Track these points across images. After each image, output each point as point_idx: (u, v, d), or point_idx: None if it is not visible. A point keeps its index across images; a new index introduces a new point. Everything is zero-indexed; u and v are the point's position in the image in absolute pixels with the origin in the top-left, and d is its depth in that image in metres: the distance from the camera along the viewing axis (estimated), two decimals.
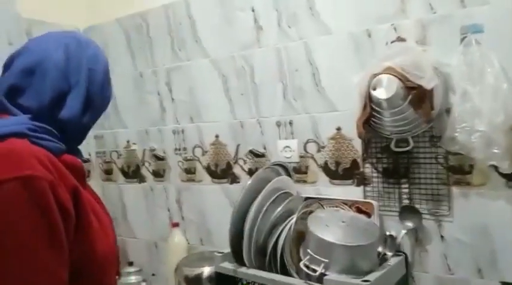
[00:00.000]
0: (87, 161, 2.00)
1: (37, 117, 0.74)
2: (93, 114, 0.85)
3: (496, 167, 1.09)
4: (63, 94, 0.78)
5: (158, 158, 1.81)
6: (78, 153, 0.86)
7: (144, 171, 1.86)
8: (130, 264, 1.73)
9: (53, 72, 0.77)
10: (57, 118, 0.77)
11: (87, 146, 2.00)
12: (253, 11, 1.51)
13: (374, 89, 1.10)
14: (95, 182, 2.02)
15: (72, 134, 0.80)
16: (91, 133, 1.98)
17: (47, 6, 1.86)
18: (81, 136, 0.86)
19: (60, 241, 0.68)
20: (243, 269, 1.20)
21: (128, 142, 1.91)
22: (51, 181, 0.66)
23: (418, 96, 1.08)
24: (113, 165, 1.97)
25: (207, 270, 1.39)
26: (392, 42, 1.21)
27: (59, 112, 0.77)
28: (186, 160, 1.72)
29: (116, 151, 1.95)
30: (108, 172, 1.99)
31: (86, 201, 0.75)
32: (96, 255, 0.76)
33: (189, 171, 1.72)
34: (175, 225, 1.68)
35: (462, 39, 1.10)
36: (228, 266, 1.24)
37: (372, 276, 1.04)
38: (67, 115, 0.78)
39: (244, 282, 1.28)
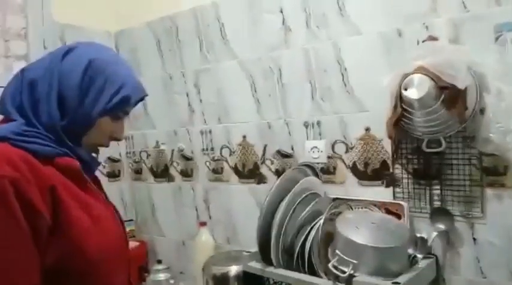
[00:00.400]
0: (116, 160, 2.05)
1: (32, 123, 0.80)
2: (74, 115, 0.82)
3: None
4: (35, 101, 0.81)
5: (186, 158, 1.83)
6: (81, 155, 0.86)
7: (172, 171, 1.89)
8: (159, 262, 1.75)
9: (26, 83, 0.83)
10: (41, 124, 0.81)
11: (117, 147, 2.05)
12: (281, 12, 1.51)
13: (405, 89, 1.09)
14: (125, 182, 2.07)
15: (58, 137, 0.81)
16: None
17: (79, 11, 1.92)
18: (73, 137, 0.84)
19: (21, 240, 0.69)
20: (271, 269, 1.21)
21: (157, 142, 1.94)
22: (15, 179, 0.69)
23: (451, 95, 1.06)
24: (143, 165, 2.01)
25: (234, 269, 1.40)
26: (424, 41, 1.19)
27: (40, 119, 0.81)
28: (214, 160, 1.74)
29: (146, 151, 1.99)
30: (137, 172, 2.03)
31: (68, 200, 0.76)
32: (86, 254, 0.76)
33: (217, 171, 1.74)
34: (203, 224, 1.70)
35: (497, 38, 1.08)
36: (256, 266, 1.25)
37: (402, 279, 1.03)
38: (44, 120, 0.81)
39: (272, 282, 1.29)
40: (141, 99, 0.95)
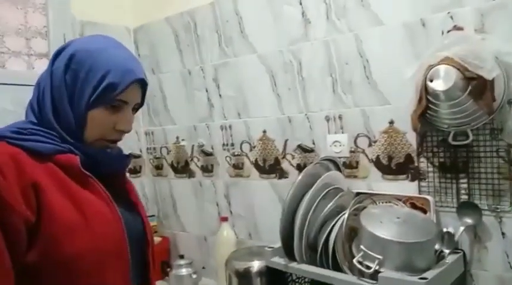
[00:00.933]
0: (137, 156, 2.06)
1: (39, 122, 0.83)
2: (66, 114, 0.82)
3: None
4: (38, 102, 0.85)
5: (206, 153, 1.84)
6: (87, 152, 0.84)
7: (193, 166, 1.90)
8: (181, 257, 1.77)
9: (35, 84, 0.88)
10: (45, 122, 0.83)
11: (138, 143, 2.07)
12: (300, 4, 1.49)
13: (431, 81, 1.06)
14: (146, 178, 2.09)
15: (60, 135, 0.82)
16: (142, 130, 2.06)
17: (99, 8, 1.93)
18: (74, 134, 0.83)
19: None
20: (294, 264, 1.20)
21: (177, 138, 1.95)
22: None
23: (478, 87, 1.04)
24: (163, 161, 2.02)
25: (256, 265, 1.40)
26: (449, 32, 1.16)
27: (43, 118, 0.84)
28: (234, 155, 1.74)
29: (166, 147, 2.00)
30: (158, 168, 2.05)
31: (55, 197, 0.75)
32: (66, 252, 0.74)
33: (237, 166, 1.73)
34: (224, 219, 1.70)
35: None
36: (279, 261, 1.24)
37: (429, 274, 1.01)
38: (45, 120, 0.83)
39: (294, 278, 1.28)
40: (144, 85, 0.90)
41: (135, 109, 0.91)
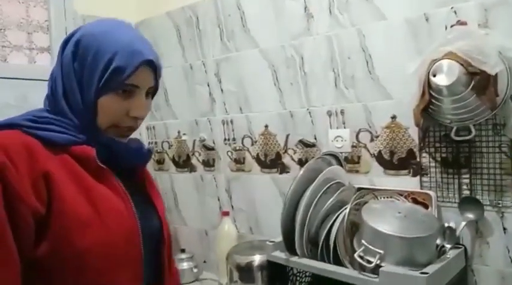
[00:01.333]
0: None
1: (54, 111, 0.81)
2: (74, 99, 0.79)
3: None
4: (52, 91, 0.83)
5: (208, 148, 1.84)
6: (105, 142, 0.81)
7: (194, 161, 1.90)
8: (183, 251, 1.77)
9: (50, 74, 0.86)
10: (60, 111, 0.81)
11: (140, 138, 2.05)
12: None
13: (434, 75, 1.06)
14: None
15: (72, 122, 0.80)
16: (143, 124, 2.06)
17: (100, 1, 1.92)
18: (89, 123, 0.80)
19: None
20: (295, 259, 1.20)
21: (178, 132, 1.95)
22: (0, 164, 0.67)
23: (481, 82, 1.03)
24: (165, 155, 2.02)
25: (258, 259, 1.40)
26: (452, 26, 1.15)
27: (57, 107, 0.82)
28: (236, 150, 1.74)
29: (167, 142, 2.00)
30: (160, 162, 2.05)
31: (68, 188, 0.72)
32: (76, 246, 0.71)
33: (239, 161, 1.73)
34: (226, 214, 1.70)
35: None
36: (280, 255, 1.24)
37: (430, 269, 1.01)
38: (57, 106, 0.81)
39: (296, 272, 1.28)
40: (156, 68, 0.84)
41: (150, 94, 0.86)
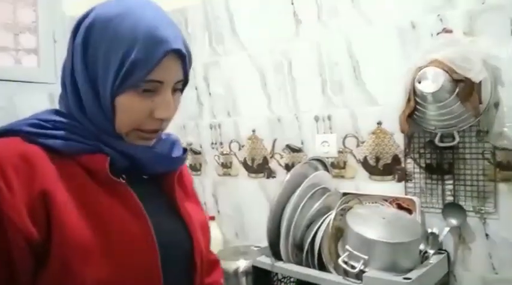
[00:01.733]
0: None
1: (63, 113, 0.68)
2: (87, 99, 0.66)
3: None
4: (63, 88, 0.71)
5: (195, 152, 1.83)
6: (124, 150, 0.67)
7: None
8: None
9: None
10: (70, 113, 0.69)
11: None
12: (292, 4, 1.50)
13: (419, 82, 1.07)
14: None
15: (85, 126, 0.67)
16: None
17: (89, 3, 1.91)
18: (98, 125, 0.67)
19: None
20: (280, 264, 1.20)
21: None
22: None
23: (465, 89, 1.05)
24: None
25: (243, 264, 1.40)
26: (438, 34, 1.17)
27: (67, 108, 0.70)
28: (223, 154, 1.73)
29: None
30: None
31: (69, 208, 0.60)
32: (79, 283, 0.58)
33: (225, 165, 1.73)
34: (211, 218, 1.69)
35: None
36: (265, 261, 1.24)
37: (413, 274, 1.01)
38: (69, 106, 0.69)
39: (280, 277, 1.28)
40: (184, 57, 0.67)
41: (179, 89, 0.71)
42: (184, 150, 0.80)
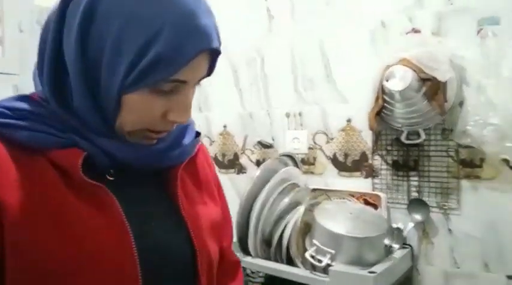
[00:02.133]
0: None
1: (38, 100, 0.55)
2: (79, 92, 0.52)
3: (507, 162, 1.07)
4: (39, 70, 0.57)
5: None
6: (103, 146, 0.54)
7: None
8: None
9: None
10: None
11: None
12: (266, 0, 1.50)
13: (387, 80, 1.09)
14: None
15: (65, 121, 0.54)
16: None
17: None
18: (95, 121, 0.53)
19: None
20: (249, 259, 1.20)
21: None
22: None
23: (432, 88, 1.07)
24: None
25: None
26: (407, 34, 1.19)
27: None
28: None
29: None
30: None
31: (24, 223, 0.47)
32: None
33: None
34: None
35: (478, 31, 1.08)
36: None
37: (377, 268, 1.03)
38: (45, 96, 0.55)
39: (249, 272, 1.28)
40: (216, 54, 0.55)
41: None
42: (197, 134, 0.66)
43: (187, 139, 0.64)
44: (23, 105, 0.53)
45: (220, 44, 0.54)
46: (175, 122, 0.55)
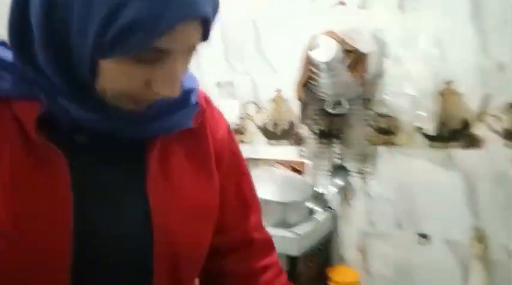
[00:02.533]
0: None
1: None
2: (45, 49, 0.45)
3: (420, 129, 1.16)
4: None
5: None
6: (63, 105, 0.46)
7: None
8: None
9: None
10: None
11: None
12: None
13: (312, 50, 1.13)
14: None
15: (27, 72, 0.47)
16: None
17: None
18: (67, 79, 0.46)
19: None
20: None
21: None
22: None
23: (355, 59, 1.13)
24: None
25: None
26: (335, 5, 1.23)
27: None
28: None
29: None
30: None
31: None
32: None
33: None
34: None
35: (400, 5, 1.14)
36: None
37: (301, 229, 1.10)
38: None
39: None
40: (206, 23, 0.45)
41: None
42: (196, 104, 0.55)
43: (182, 108, 0.53)
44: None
45: (214, 9, 0.46)
46: (158, 94, 0.47)
